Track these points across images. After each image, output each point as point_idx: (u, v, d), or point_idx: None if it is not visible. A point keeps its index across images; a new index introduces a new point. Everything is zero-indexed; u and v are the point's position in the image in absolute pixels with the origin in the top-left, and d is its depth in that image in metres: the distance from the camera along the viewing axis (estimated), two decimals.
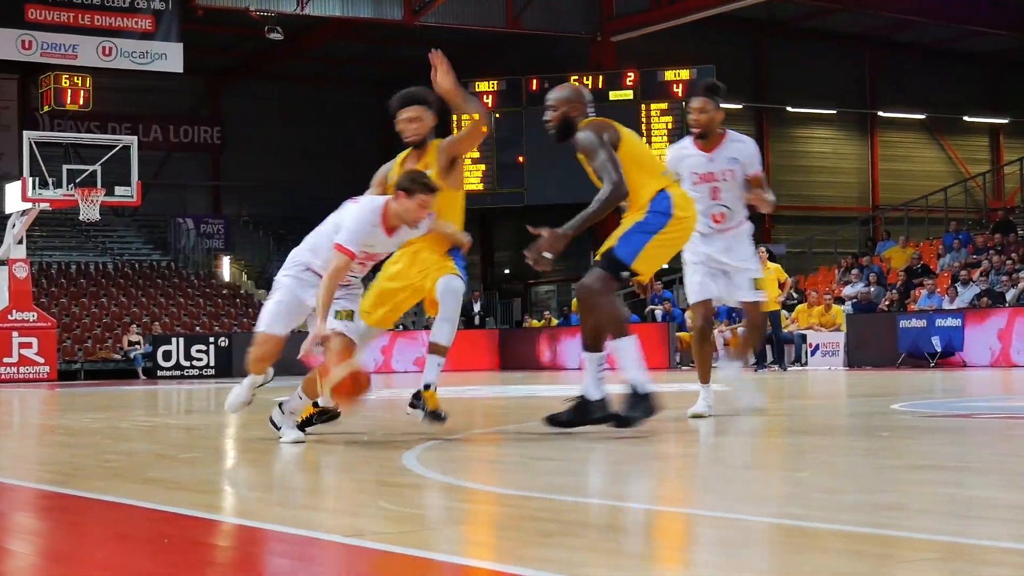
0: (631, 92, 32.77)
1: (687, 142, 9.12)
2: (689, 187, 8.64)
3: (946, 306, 24.41)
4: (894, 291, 27.27)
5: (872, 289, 27.81)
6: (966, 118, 40.93)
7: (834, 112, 39.74)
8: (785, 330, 25.11)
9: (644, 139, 30.99)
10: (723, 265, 9.08)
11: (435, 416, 7.64)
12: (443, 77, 7.68)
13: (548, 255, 7.18)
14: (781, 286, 23.14)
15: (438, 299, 7.66)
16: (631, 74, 32.81)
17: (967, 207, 37.52)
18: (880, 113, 39.76)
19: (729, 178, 8.95)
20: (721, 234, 9.03)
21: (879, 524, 4.11)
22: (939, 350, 22.82)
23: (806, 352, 25.60)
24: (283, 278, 7.58)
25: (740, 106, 36.64)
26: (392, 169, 7.95)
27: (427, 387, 7.70)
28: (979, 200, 40.17)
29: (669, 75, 32.56)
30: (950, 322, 22.88)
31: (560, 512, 4.54)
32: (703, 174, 8.92)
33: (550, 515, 4.48)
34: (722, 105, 8.85)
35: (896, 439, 7.28)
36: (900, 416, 8.30)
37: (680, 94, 32.32)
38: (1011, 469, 5.71)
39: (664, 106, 32.66)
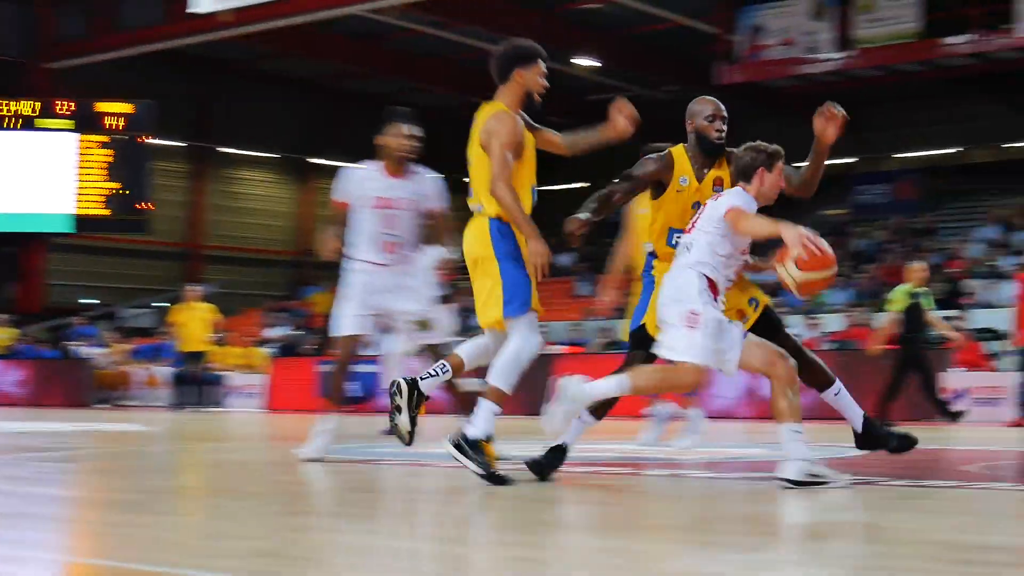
0: (69, 122, 31.50)
1: None
2: None
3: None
4: (318, 335, 27.88)
5: (296, 332, 28.40)
6: None
7: (277, 156, 40.13)
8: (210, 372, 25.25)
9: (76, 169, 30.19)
10: None
11: None
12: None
13: None
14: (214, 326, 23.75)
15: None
16: (67, 104, 31.60)
17: None
18: (315, 160, 40.19)
19: None
20: None
21: (253, 571, 4.24)
22: (360, 395, 23.49)
23: (223, 393, 25.88)
24: (700, 308, 6.61)
25: (184, 144, 36.40)
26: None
27: None
28: None
29: (104, 107, 31.51)
30: (369, 368, 23.59)
31: None
32: None
33: None
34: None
35: (295, 484, 7.49)
36: (298, 463, 8.53)
37: (118, 127, 31.49)
38: (408, 511, 6.00)
39: (104, 139, 31.48)
